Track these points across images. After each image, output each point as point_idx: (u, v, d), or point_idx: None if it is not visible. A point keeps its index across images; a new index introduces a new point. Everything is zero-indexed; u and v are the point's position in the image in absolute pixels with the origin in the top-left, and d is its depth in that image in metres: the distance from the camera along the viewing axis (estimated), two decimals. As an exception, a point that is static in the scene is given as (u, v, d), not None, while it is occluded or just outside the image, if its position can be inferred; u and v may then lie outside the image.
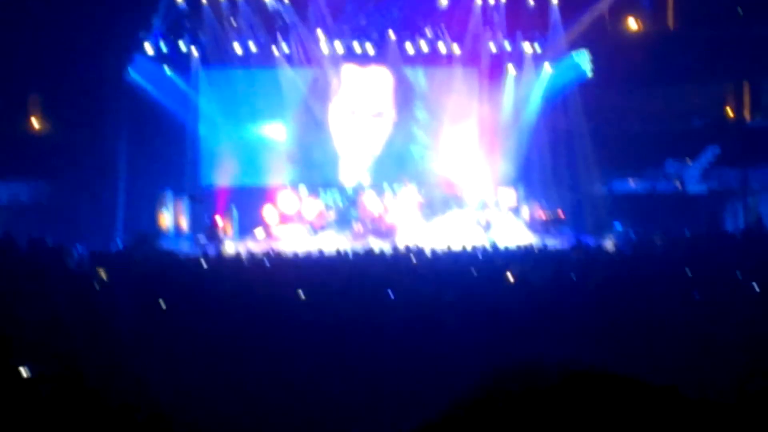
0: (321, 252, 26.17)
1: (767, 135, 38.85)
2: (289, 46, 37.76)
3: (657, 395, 2.33)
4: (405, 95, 39.72)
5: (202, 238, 34.36)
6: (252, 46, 37.51)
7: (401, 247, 26.86)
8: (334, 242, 31.86)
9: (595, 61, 38.77)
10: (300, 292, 19.64)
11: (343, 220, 36.65)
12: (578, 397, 2.28)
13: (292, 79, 38.17)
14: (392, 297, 19.00)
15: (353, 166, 39.02)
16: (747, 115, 41.50)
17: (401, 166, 38.86)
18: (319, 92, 38.90)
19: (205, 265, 24.29)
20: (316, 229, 35.72)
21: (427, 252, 25.46)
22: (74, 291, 20.32)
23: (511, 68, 39.51)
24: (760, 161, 38.00)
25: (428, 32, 38.69)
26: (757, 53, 39.25)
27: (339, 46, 38.10)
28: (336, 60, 38.36)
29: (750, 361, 16.10)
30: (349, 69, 38.91)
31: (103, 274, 23.27)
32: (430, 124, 39.87)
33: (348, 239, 34.29)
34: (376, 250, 26.18)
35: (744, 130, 39.52)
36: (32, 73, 36.48)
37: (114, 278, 23.10)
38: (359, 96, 39.24)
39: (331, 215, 36.59)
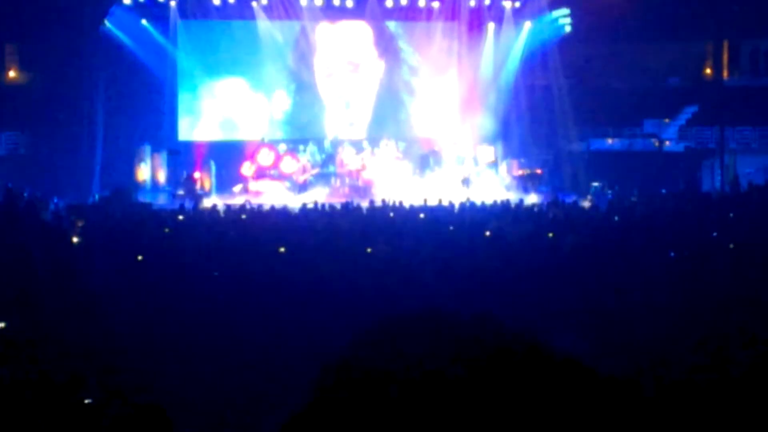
0: (300, 206, 26.17)
1: (745, 94, 38.92)
2: None
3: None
4: (385, 51, 39.54)
5: (179, 192, 34.22)
6: (230, -2, 37.21)
7: (378, 202, 26.84)
8: (312, 197, 31.86)
9: (575, 18, 38.65)
10: (278, 246, 19.67)
11: (322, 176, 36.56)
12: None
13: (270, 32, 37.89)
14: (369, 251, 19.06)
15: (333, 121, 38.88)
16: (725, 74, 41.55)
17: (381, 122, 38.74)
18: (299, 47, 38.67)
19: (181, 218, 24.27)
20: (298, 185, 35.62)
21: (405, 207, 25.51)
22: (49, 242, 20.31)
23: (491, 25, 39.35)
24: (737, 120, 38.09)
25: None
26: (736, 12, 39.23)
27: (319, 0, 37.82)
28: (315, 13, 38.09)
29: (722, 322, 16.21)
30: (323, 26, 38.64)
31: (79, 224, 23.26)
32: (410, 80, 39.74)
33: (326, 195, 34.23)
34: (354, 205, 26.15)
35: (722, 89, 39.56)
36: (8, 23, 36.14)
37: (90, 230, 23.09)
38: (336, 51, 39.02)
39: (312, 171, 36.47)
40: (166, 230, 22.24)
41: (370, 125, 38.88)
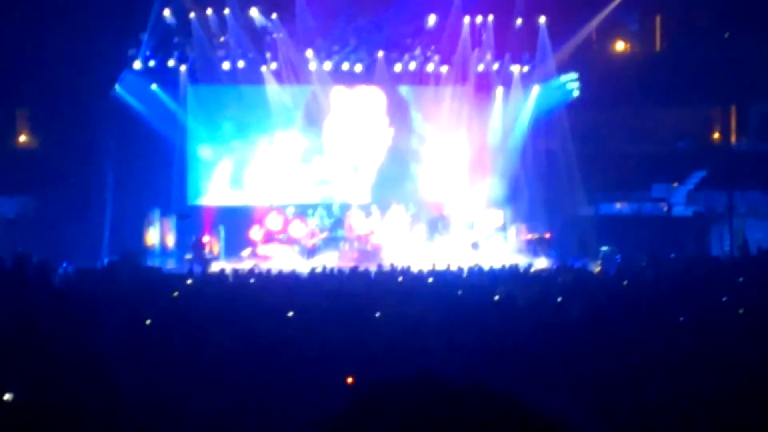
0: (309, 270, 26.19)
1: (753, 158, 39.01)
2: (278, 64, 37.79)
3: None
4: (395, 117, 39.73)
5: (188, 257, 34.29)
6: (240, 63, 37.53)
7: (387, 266, 26.91)
8: (321, 261, 32.00)
9: (583, 82, 38.90)
10: (286, 310, 19.62)
11: (331, 240, 36.66)
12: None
13: (280, 97, 38.17)
14: (377, 317, 19.00)
15: (342, 185, 38.97)
16: (733, 138, 41.69)
17: (390, 186, 38.86)
18: (310, 112, 38.91)
19: (190, 282, 24.24)
20: (307, 249, 35.71)
21: (413, 272, 25.54)
22: (59, 308, 20.28)
23: (499, 89, 39.57)
24: (746, 184, 38.10)
25: (417, 51, 38.78)
26: (743, 76, 39.45)
27: (328, 65, 38.17)
28: (325, 79, 38.40)
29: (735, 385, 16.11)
30: (338, 90, 38.93)
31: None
32: (419, 148, 39.88)
33: (335, 259, 34.36)
34: (362, 269, 26.16)
35: (730, 154, 39.67)
36: (20, 88, 36.46)
37: (99, 296, 23.05)
38: (350, 116, 39.24)
39: (321, 235, 36.57)
40: (175, 294, 22.24)
41: (378, 189, 39.00)
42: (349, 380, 13.83)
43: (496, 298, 20.23)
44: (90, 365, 16.40)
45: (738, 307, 20.33)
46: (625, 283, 23.23)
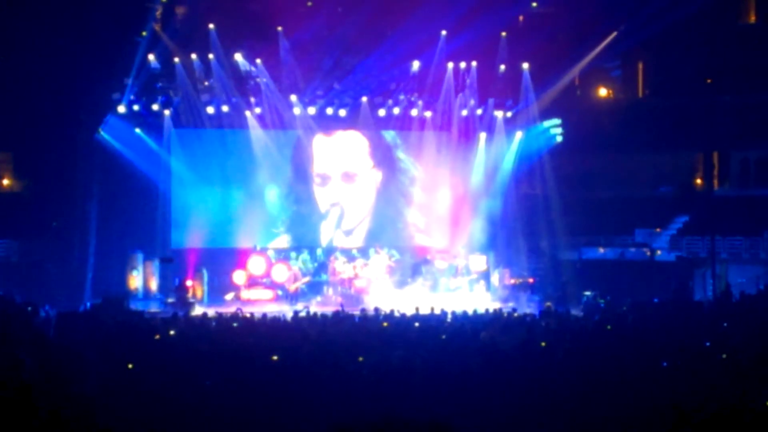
0: (292, 314, 26.16)
1: (735, 204, 39.17)
2: (262, 108, 37.84)
3: None
4: (382, 160, 39.77)
5: (171, 300, 34.18)
6: (224, 108, 37.56)
7: (371, 310, 26.89)
8: (305, 305, 31.97)
9: (566, 128, 39.06)
10: (270, 354, 19.54)
11: (314, 285, 36.65)
12: None
13: (264, 141, 38.21)
14: (361, 361, 18.95)
15: (329, 230, 38.97)
16: (716, 184, 41.89)
17: (379, 231, 38.91)
18: (294, 156, 38.96)
19: (172, 331, 24.12)
20: (290, 293, 35.70)
21: (397, 316, 25.55)
22: (40, 350, 20.15)
23: (482, 134, 39.63)
24: (728, 230, 38.21)
25: (401, 97, 38.88)
26: (725, 123, 39.73)
27: (312, 110, 38.24)
28: (308, 123, 38.46)
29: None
30: (319, 138, 38.99)
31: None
32: (408, 189, 39.92)
33: (319, 303, 34.35)
34: (346, 314, 26.15)
35: (712, 199, 39.81)
36: (3, 131, 36.43)
37: (81, 339, 22.91)
38: (332, 161, 39.28)
39: (304, 279, 36.57)
40: (157, 337, 22.16)
41: (367, 234, 39.03)
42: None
43: (480, 342, 20.26)
44: (72, 408, 16.27)
45: (721, 353, 20.33)
46: (609, 327, 23.23)
